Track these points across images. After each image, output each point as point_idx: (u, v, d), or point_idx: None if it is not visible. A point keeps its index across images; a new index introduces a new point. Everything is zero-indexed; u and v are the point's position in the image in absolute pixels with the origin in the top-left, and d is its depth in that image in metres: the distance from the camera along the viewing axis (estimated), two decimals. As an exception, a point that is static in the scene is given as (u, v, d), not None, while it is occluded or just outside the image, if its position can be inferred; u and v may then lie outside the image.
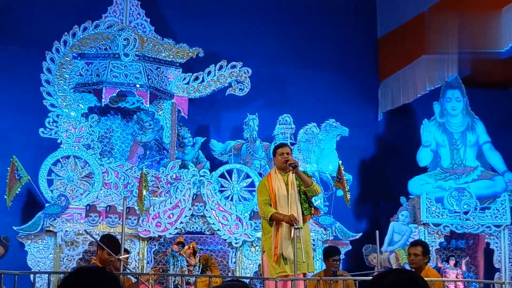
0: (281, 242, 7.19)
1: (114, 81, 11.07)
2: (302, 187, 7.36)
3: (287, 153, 7.44)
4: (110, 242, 7.49)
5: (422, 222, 11.60)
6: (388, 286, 2.71)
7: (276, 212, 7.24)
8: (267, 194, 7.36)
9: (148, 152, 11.60)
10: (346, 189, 10.86)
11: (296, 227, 7.03)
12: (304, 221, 7.30)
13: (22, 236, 10.43)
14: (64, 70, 11.26)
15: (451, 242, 12.29)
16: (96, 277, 2.54)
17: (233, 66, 11.85)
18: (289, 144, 11.61)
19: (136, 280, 8.63)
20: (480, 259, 12.28)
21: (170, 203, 10.53)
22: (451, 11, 11.69)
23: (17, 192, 10.38)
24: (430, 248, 9.35)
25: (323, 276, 8.04)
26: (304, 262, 7.12)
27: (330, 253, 8.70)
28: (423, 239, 10.72)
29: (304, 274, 7.34)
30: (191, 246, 10.32)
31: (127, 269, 8.17)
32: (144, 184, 10.13)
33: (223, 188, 11.19)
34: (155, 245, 10.60)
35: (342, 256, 11.24)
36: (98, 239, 7.53)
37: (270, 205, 7.34)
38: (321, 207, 11.28)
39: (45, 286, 9.60)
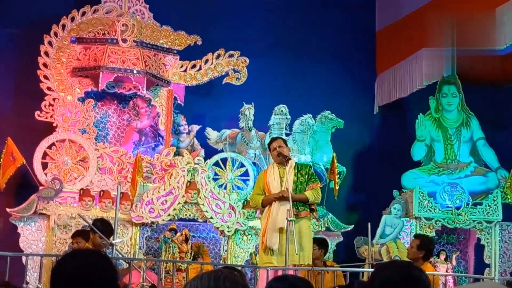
0: (267, 233, 7.38)
1: (111, 67, 11.05)
2: (304, 184, 7.61)
3: (279, 146, 7.69)
4: (103, 226, 7.53)
5: (414, 216, 11.66)
6: (386, 277, 2.89)
7: (264, 196, 7.53)
8: (261, 188, 7.63)
9: (143, 138, 11.61)
10: (336, 182, 10.92)
11: (289, 219, 7.10)
12: (300, 216, 7.39)
13: (15, 218, 10.45)
14: (62, 54, 11.23)
15: (442, 236, 12.36)
16: (92, 259, 2.57)
17: (231, 55, 11.86)
18: (283, 135, 11.66)
19: (127, 265, 8.66)
20: (471, 254, 12.35)
21: (164, 189, 10.55)
22: (447, 8, 11.70)
23: (11, 174, 10.39)
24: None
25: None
26: (296, 254, 7.19)
27: None
28: (419, 234, 10.75)
29: (294, 266, 7.39)
30: (183, 233, 10.36)
31: (119, 254, 8.20)
32: (138, 170, 10.15)
33: (217, 176, 11.22)
34: (147, 231, 10.63)
35: (333, 248, 11.37)
36: (91, 223, 7.56)
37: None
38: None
39: (37, 268, 9.62)
